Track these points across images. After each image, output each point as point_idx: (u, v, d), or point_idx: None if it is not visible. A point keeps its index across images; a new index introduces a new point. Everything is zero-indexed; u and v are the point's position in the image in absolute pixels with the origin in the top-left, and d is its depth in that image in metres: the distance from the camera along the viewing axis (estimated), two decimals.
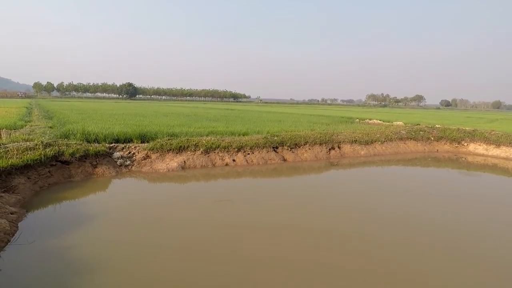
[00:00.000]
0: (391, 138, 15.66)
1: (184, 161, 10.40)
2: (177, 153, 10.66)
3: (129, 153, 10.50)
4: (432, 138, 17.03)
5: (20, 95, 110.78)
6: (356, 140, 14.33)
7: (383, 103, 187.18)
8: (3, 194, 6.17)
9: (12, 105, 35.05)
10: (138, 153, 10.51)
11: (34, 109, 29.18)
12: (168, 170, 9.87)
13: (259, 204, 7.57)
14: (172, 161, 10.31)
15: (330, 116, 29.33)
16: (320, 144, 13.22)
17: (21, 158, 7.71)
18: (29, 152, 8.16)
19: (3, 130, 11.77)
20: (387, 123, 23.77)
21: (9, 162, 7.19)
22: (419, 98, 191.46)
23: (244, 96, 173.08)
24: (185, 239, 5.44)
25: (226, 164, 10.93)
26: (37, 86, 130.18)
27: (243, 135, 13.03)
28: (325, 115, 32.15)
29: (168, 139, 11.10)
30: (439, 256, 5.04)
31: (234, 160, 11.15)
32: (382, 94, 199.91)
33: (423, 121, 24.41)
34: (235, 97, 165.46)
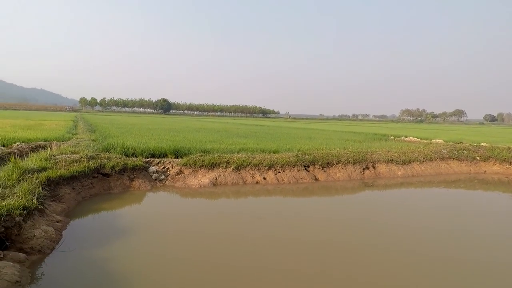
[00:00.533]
0: (431, 158, 14.85)
1: (216, 178, 10.56)
2: (209, 169, 10.87)
3: (164, 168, 10.88)
4: (478, 158, 15.88)
5: (67, 109, 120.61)
6: (392, 160, 13.76)
7: (419, 118, 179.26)
8: (51, 203, 6.62)
9: (61, 118, 38.05)
10: (172, 168, 10.85)
11: (79, 122, 31.38)
12: (200, 186, 10.07)
13: (290, 223, 7.44)
14: (204, 177, 10.51)
15: (363, 133, 28.54)
16: (354, 163, 12.85)
17: (68, 169, 8.28)
18: (75, 164, 8.74)
19: (54, 142, 12.75)
20: (425, 141, 22.61)
21: (58, 173, 7.74)
22: (459, 112, 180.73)
23: (273, 112, 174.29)
24: (218, 254, 5.49)
25: (257, 182, 10.94)
26: (82, 101, 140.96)
27: (274, 153, 13.03)
28: (357, 131, 31.34)
29: (201, 155, 11.38)
30: None
31: (264, 178, 11.14)
32: (417, 109, 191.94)
33: (465, 139, 22.81)
34: (264, 112, 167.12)
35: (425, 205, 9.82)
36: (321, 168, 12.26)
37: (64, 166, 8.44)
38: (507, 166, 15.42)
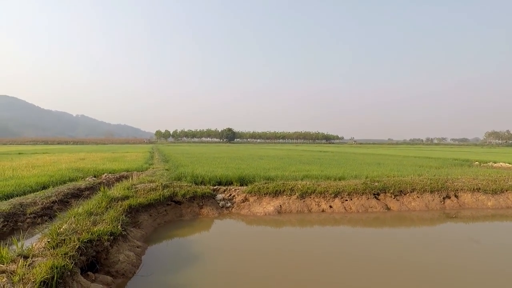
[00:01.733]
0: None
1: (280, 205, 10.48)
2: (273, 197, 10.87)
3: (230, 195, 11.22)
4: None
5: (145, 141, 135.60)
6: (479, 189, 12.02)
7: (511, 141, 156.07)
8: (132, 229, 7.27)
9: (140, 150, 42.63)
10: (238, 195, 11.13)
11: (155, 153, 34.66)
12: (265, 214, 10.07)
13: (361, 256, 6.88)
14: (269, 205, 10.52)
15: (440, 158, 25.79)
16: (431, 191, 11.56)
17: (146, 197, 9.09)
18: (152, 193, 9.57)
19: (134, 172, 14.25)
20: None
21: (138, 201, 8.55)
22: None
23: (337, 137, 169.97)
24: (286, 282, 5.31)
25: (323, 210, 10.52)
26: (158, 133, 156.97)
27: (339, 180, 12.50)
28: (433, 157, 28.45)
29: (265, 183, 11.48)
30: None
31: (331, 207, 10.67)
32: (508, 131, 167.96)
33: None
34: (327, 138, 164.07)
35: None
36: (393, 196, 11.30)
37: (143, 194, 9.30)
38: None
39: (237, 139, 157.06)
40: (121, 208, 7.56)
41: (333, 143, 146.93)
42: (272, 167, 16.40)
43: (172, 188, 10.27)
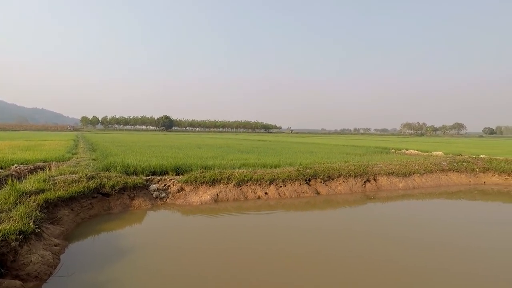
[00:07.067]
0: (431, 170, 14.77)
1: (217, 194, 10.47)
2: (210, 185, 10.79)
3: (165, 185, 10.80)
4: (478, 170, 15.82)
5: (69, 128, 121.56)
6: (393, 172, 13.68)
7: (420, 132, 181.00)
8: (49, 226, 6.52)
9: (62, 138, 38.14)
10: (173, 185, 10.77)
11: (80, 141, 31.42)
12: (201, 203, 9.96)
13: (292, 238, 7.29)
14: (205, 194, 10.42)
15: (364, 147, 28.55)
16: (355, 176, 12.76)
17: (67, 190, 8.20)
18: (74, 185, 8.67)
19: (53, 162, 12.72)
20: (426, 154, 22.60)
21: (57, 194, 7.66)
22: (459, 126, 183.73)
23: (275, 127, 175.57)
24: (219, 271, 5.34)
25: (258, 197, 10.83)
26: (84, 120, 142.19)
27: (275, 167, 12.97)
28: (359, 145, 31.35)
29: (202, 172, 11.32)
30: None
31: (266, 193, 11.04)
32: (418, 122, 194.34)
33: (465, 151, 22.92)
34: (266, 128, 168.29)
35: (427, 216, 9.66)
36: (322, 181, 12.16)
37: (63, 187, 8.37)
38: (506, 177, 15.38)
39: (175, 128, 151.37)
40: (34, 203, 6.69)
41: (271, 132, 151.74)
42: (210, 156, 16.23)
43: (99, 179, 9.44)
